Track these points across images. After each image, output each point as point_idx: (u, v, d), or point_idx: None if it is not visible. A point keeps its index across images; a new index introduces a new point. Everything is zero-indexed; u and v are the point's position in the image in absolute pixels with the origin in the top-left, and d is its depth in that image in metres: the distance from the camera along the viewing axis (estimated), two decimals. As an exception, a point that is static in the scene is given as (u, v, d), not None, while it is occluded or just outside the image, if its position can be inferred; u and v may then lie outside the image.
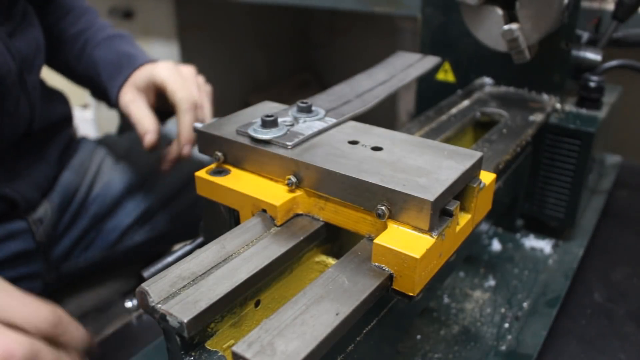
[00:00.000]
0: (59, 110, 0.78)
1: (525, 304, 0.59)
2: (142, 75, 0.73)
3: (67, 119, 0.81)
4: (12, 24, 0.64)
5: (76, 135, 0.88)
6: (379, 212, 0.36)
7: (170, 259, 0.47)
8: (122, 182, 0.83)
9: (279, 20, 2.33)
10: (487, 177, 0.42)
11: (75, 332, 0.44)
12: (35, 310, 0.42)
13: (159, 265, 0.47)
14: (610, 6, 0.70)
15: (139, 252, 0.85)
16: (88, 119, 2.31)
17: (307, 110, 0.47)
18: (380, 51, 0.99)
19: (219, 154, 0.45)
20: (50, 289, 0.76)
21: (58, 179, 0.77)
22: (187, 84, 0.71)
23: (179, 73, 0.72)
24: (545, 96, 0.68)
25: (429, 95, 0.77)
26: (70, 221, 0.78)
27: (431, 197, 0.34)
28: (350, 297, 0.32)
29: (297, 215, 0.41)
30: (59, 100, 0.80)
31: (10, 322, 0.40)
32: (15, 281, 0.46)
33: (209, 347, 0.32)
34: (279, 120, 0.44)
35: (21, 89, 0.64)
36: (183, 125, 0.69)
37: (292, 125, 0.45)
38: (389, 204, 0.36)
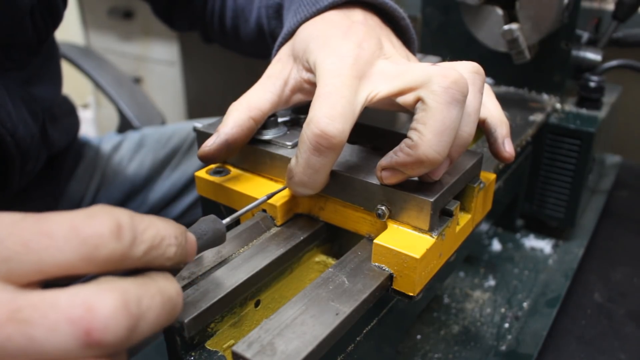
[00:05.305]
0: (71, 129, 0.76)
1: (525, 304, 0.59)
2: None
3: (76, 133, 0.79)
4: (31, 69, 0.56)
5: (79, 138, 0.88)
6: (379, 212, 0.36)
7: None
8: (125, 184, 0.83)
9: (279, 20, 2.32)
10: (487, 177, 0.42)
11: (151, 231, 0.27)
12: (72, 229, 0.23)
13: None
14: (610, 6, 0.70)
15: None
16: (88, 118, 2.31)
17: (307, 110, 0.47)
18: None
19: (219, 154, 0.45)
20: None
21: (64, 194, 0.76)
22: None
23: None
24: (545, 96, 0.68)
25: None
26: None
27: (431, 197, 0.34)
28: (350, 297, 0.32)
29: (297, 215, 0.41)
30: (71, 115, 0.78)
31: (45, 273, 0.23)
32: None
33: (209, 347, 0.32)
34: (279, 120, 0.44)
35: (43, 144, 0.60)
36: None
37: (292, 125, 0.45)
38: (389, 204, 0.36)
